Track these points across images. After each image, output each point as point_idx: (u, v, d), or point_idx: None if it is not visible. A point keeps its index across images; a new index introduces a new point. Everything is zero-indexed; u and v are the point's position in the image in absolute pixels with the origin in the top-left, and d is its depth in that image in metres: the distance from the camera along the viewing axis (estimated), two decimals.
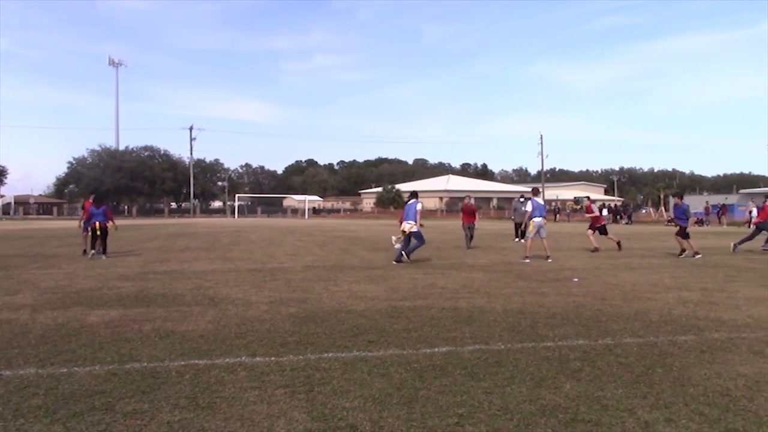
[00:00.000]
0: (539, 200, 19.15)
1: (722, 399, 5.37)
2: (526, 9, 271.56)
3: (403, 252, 17.29)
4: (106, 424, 4.68)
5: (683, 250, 19.83)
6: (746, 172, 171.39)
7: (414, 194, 18.63)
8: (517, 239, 26.42)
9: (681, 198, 21.03)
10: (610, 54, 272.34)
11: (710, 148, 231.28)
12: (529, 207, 19.17)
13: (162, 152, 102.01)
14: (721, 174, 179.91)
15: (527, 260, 17.68)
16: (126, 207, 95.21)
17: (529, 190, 21.63)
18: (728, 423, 4.80)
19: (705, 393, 5.52)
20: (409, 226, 17.44)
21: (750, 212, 43.12)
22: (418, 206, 17.74)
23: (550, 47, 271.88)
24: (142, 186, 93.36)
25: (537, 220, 18.56)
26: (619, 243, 22.43)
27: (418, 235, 17.42)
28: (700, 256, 18.86)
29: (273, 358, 6.63)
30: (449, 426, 4.71)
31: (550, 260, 17.73)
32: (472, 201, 24.30)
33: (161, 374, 6.01)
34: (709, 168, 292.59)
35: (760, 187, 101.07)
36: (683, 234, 19.84)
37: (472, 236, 23.21)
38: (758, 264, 17.21)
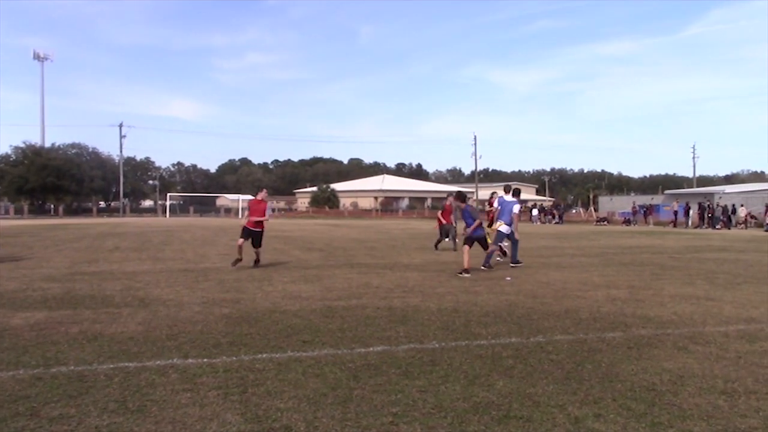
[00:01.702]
0: (508, 198, 16.55)
1: (648, 394, 5.53)
2: (461, 11, 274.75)
3: (489, 257, 15.49)
4: (30, 430, 4.53)
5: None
6: (671, 173, 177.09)
7: (516, 192, 16.82)
8: (447, 239, 26.57)
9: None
10: (542, 57, 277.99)
11: (637, 150, 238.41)
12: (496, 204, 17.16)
13: (90, 150, 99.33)
14: (648, 175, 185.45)
15: (499, 259, 17.17)
16: (52, 206, 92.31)
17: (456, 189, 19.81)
18: (654, 417, 4.94)
19: (632, 388, 5.68)
20: (504, 226, 15.93)
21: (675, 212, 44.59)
22: (516, 207, 16.18)
23: (484, 49, 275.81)
24: (70, 184, 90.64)
25: (503, 228, 16.24)
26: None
27: (502, 237, 16.12)
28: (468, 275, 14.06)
29: (205, 360, 6.53)
30: (384, 425, 4.72)
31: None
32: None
33: (89, 378, 5.84)
34: (636, 169, 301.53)
35: (683, 188, 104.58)
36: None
37: (455, 237, 22.10)
38: (682, 262, 17.79)
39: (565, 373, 6.13)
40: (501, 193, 16.92)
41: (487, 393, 5.48)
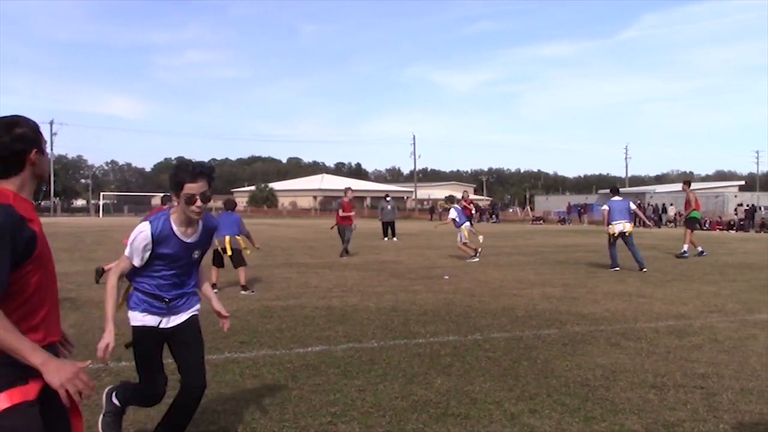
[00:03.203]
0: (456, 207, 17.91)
1: (582, 389, 5.65)
2: (402, 12, 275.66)
3: (639, 259, 15.22)
4: None
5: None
6: (605, 173, 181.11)
7: (616, 190, 16.75)
8: (385, 238, 26.60)
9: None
10: (483, 58, 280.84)
11: (573, 150, 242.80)
12: (453, 214, 17.65)
13: None
14: (582, 175, 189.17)
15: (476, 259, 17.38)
16: None
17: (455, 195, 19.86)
18: (587, 411, 5.05)
19: (566, 384, 5.79)
20: (628, 227, 15.40)
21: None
22: (633, 205, 16.03)
23: (426, 50, 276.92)
24: None
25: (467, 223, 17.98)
26: None
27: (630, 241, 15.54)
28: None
29: None
30: (322, 425, 4.70)
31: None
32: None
33: None
34: (571, 169, 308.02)
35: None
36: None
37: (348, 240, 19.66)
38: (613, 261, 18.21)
39: (502, 370, 6.22)
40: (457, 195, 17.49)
41: (425, 391, 5.52)
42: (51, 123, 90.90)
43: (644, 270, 14.83)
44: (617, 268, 15.03)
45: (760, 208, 49.24)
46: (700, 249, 19.21)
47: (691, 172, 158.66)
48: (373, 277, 13.80)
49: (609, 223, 15.39)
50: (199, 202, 3.78)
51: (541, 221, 61.12)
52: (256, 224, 49.22)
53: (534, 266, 16.40)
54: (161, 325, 4.02)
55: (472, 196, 41.32)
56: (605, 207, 15.80)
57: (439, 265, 16.56)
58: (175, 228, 3.88)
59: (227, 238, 11.50)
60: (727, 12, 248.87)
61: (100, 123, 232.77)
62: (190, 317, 4.16)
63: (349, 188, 20.09)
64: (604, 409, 5.11)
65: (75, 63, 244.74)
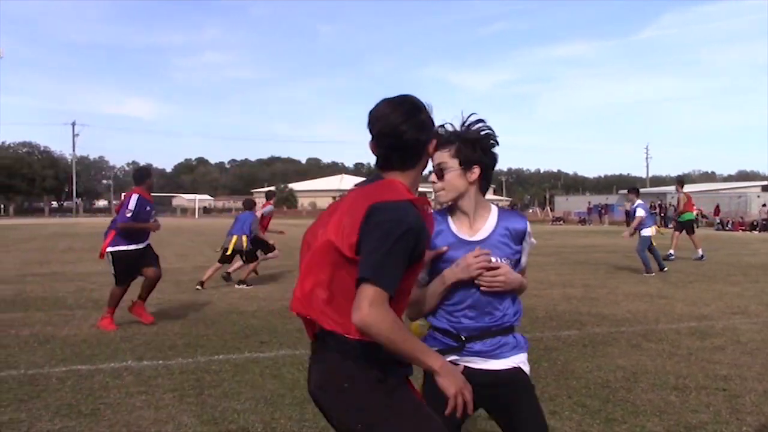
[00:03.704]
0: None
1: (603, 390, 5.61)
2: (420, 12, 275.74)
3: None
4: None
5: None
6: (625, 173, 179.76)
7: (635, 190, 16.69)
8: None
9: None
10: (499, 59, 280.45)
11: (592, 150, 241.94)
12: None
13: (42, 149, 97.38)
14: (602, 175, 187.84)
15: None
16: (2, 206, 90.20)
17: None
18: (608, 413, 5.02)
19: (587, 385, 5.76)
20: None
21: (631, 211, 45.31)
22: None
23: (443, 50, 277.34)
24: (20, 184, 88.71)
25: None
26: None
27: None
28: None
29: (161, 362, 6.45)
30: None
31: None
32: None
33: (41, 381, 5.72)
34: (591, 169, 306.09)
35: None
36: None
37: None
38: (636, 261, 18.07)
39: None
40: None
41: None
42: (73, 124, 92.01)
43: (662, 271, 14.64)
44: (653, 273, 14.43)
45: None
46: (700, 253, 18.24)
47: (713, 172, 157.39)
48: None
49: (646, 226, 14.95)
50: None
51: (561, 221, 60.82)
52: (276, 224, 49.39)
53: (554, 267, 16.32)
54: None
55: (491, 197, 41.07)
56: (642, 211, 15.03)
57: None
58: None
59: (234, 238, 12.27)
60: (744, 11, 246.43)
61: (121, 124, 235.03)
62: None
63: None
64: (625, 411, 5.07)
65: (95, 65, 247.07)
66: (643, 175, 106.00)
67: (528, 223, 2.84)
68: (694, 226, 19.17)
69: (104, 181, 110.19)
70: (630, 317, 9.15)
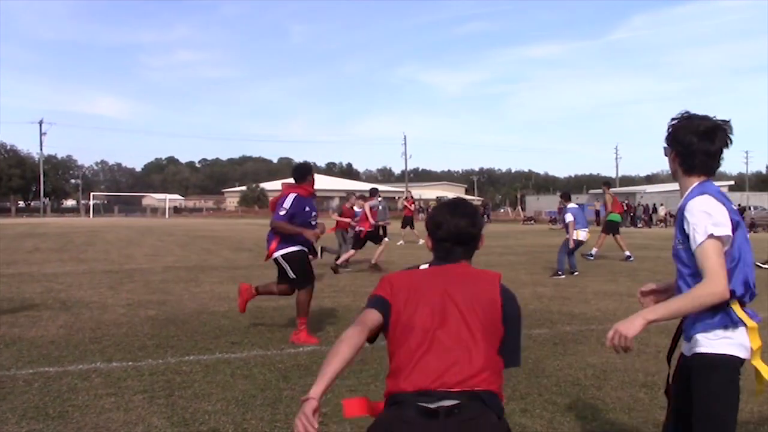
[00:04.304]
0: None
1: (573, 388, 5.66)
2: (393, 12, 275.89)
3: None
4: None
5: None
6: (595, 173, 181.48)
7: (566, 195, 16.69)
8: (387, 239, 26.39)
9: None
10: (472, 59, 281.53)
11: (563, 150, 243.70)
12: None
13: (8, 147, 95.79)
14: (573, 175, 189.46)
15: None
16: None
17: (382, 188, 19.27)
18: (578, 411, 5.06)
19: (557, 383, 5.80)
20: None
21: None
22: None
23: (416, 50, 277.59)
24: None
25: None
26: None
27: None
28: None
29: (130, 363, 6.38)
30: None
31: None
32: None
33: (7, 383, 5.63)
34: (561, 169, 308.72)
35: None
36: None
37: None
38: (606, 260, 18.27)
39: None
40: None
41: None
42: (40, 123, 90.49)
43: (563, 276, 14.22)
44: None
45: (749, 208, 49.54)
46: (627, 254, 18.18)
47: None
48: (365, 277, 13.79)
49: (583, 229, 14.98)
50: None
51: (533, 221, 61.26)
52: (248, 225, 49.13)
53: (525, 266, 16.44)
54: None
55: (463, 197, 41.13)
56: (571, 216, 15.13)
57: None
58: None
59: None
60: (714, 14, 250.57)
61: (90, 123, 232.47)
62: None
63: (353, 193, 17.97)
64: (595, 409, 5.12)
65: (63, 63, 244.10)
66: (613, 175, 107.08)
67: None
68: (620, 227, 19.26)
69: (72, 181, 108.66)
70: (600, 315, 9.24)
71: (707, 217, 2.77)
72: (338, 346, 2.47)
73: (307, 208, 7.56)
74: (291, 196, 7.45)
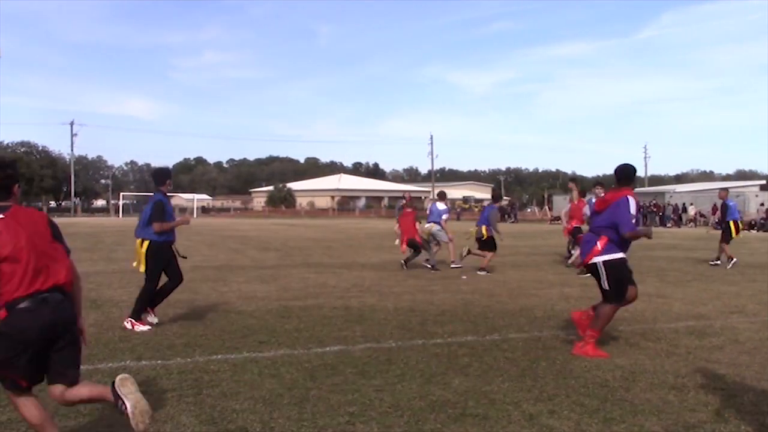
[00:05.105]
0: (439, 205, 16.18)
1: (601, 390, 5.61)
2: (419, 12, 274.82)
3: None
4: None
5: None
6: None
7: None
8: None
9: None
10: (499, 58, 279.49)
11: (591, 150, 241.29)
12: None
13: (40, 148, 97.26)
14: (601, 174, 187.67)
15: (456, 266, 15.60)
16: None
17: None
18: (606, 412, 5.02)
19: (585, 385, 5.76)
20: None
21: None
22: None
23: (442, 50, 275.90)
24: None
25: (427, 225, 16.13)
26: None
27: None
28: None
29: (159, 362, 6.45)
30: (340, 425, 4.71)
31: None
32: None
33: None
34: (589, 169, 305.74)
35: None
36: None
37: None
38: (634, 260, 18.09)
39: (520, 371, 6.20)
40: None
41: (443, 391, 5.51)
42: (71, 124, 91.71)
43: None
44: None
45: None
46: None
47: (711, 171, 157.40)
48: (391, 277, 13.80)
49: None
50: None
51: (560, 221, 60.83)
52: (274, 224, 49.41)
53: (552, 266, 16.33)
54: None
55: (489, 197, 40.93)
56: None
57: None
58: None
59: (484, 227, 14.74)
60: (745, 11, 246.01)
61: (120, 124, 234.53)
62: None
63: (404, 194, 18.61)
64: (623, 410, 5.08)
65: (93, 64, 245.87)
66: (642, 174, 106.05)
67: None
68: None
69: (102, 181, 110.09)
70: (628, 316, 9.15)
71: None
72: None
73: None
74: (631, 200, 7.02)
